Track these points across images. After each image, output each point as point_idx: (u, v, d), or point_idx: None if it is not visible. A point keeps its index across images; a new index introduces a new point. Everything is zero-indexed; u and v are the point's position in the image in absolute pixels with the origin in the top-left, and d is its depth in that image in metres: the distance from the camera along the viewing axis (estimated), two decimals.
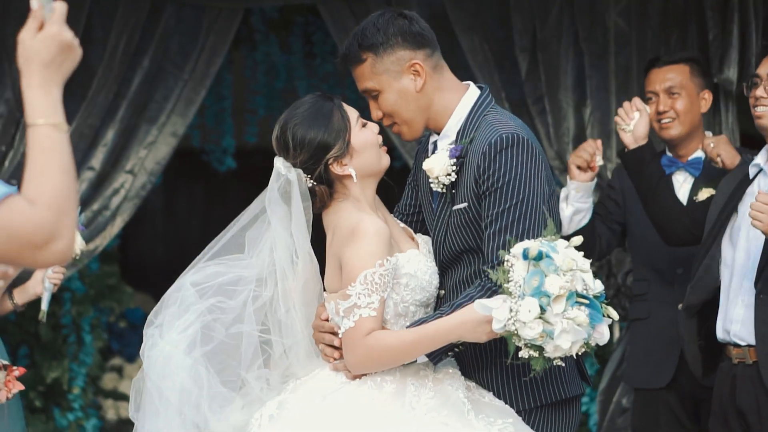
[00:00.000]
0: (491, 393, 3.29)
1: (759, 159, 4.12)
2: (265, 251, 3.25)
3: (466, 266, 3.35)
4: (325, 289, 3.31)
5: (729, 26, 5.29)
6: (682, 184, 4.72)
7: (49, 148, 2.20)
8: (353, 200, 3.28)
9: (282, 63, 7.35)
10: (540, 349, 3.02)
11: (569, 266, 3.02)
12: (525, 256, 3.01)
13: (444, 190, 3.36)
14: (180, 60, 5.68)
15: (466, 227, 3.32)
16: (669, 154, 4.79)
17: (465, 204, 3.30)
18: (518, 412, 3.27)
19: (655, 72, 4.73)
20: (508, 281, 3.03)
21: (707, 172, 4.66)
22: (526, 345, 3.02)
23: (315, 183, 3.25)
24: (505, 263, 3.06)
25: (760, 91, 4.04)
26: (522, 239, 3.14)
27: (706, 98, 4.75)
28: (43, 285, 4.31)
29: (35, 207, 2.15)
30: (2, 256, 2.17)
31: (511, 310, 2.99)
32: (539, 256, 3.00)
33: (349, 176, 3.27)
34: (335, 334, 3.22)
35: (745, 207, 4.05)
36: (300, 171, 3.23)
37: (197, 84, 5.67)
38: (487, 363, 3.32)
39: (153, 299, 7.76)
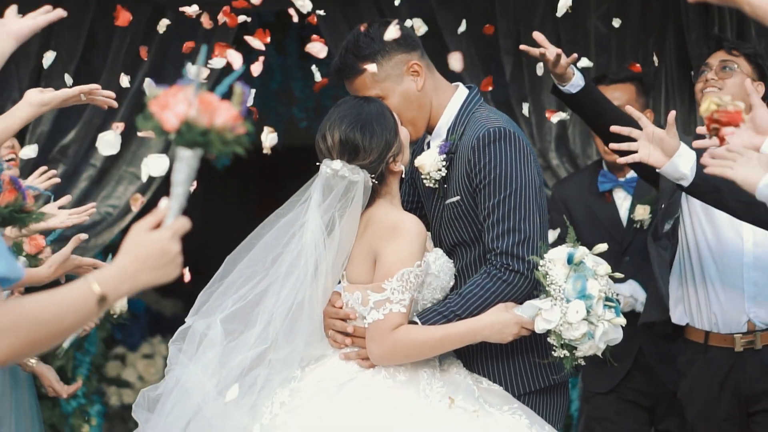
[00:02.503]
0: (487, 379, 3.31)
1: None
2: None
3: (459, 259, 3.37)
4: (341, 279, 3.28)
5: (710, 29, 5.30)
6: (623, 202, 4.74)
7: (72, 303, 2.14)
8: (389, 196, 3.28)
9: (277, 64, 7.34)
10: (573, 348, 3.10)
11: (606, 271, 3.15)
12: (570, 260, 3.11)
13: (435, 186, 3.38)
14: (179, 63, 5.66)
15: (459, 220, 3.33)
16: (606, 169, 4.80)
17: (457, 197, 3.31)
18: None
19: (602, 89, 4.68)
20: (549, 284, 3.11)
21: (640, 191, 4.69)
22: (562, 345, 3.10)
23: (376, 182, 3.22)
24: (540, 267, 3.12)
25: (710, 75, 4.13)
26: (519, 228, 3.20)
27: (648, 117, 4.76)
28: None
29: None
30: None
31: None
32: (580, 261, 3.07)
33: (400, 172, 3.27)
34: (346, 321, 3.21)
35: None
36: (367, 172, 3.20)
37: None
38: (479, 351, 3.33)
39: (154, 292, 7.76)
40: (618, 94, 4.70)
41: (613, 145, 3.65)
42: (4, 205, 3.50)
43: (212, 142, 2.13)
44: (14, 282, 2.14)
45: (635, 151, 3.61)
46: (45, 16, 3.10)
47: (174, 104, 2.14)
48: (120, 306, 4.26)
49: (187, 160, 2.18)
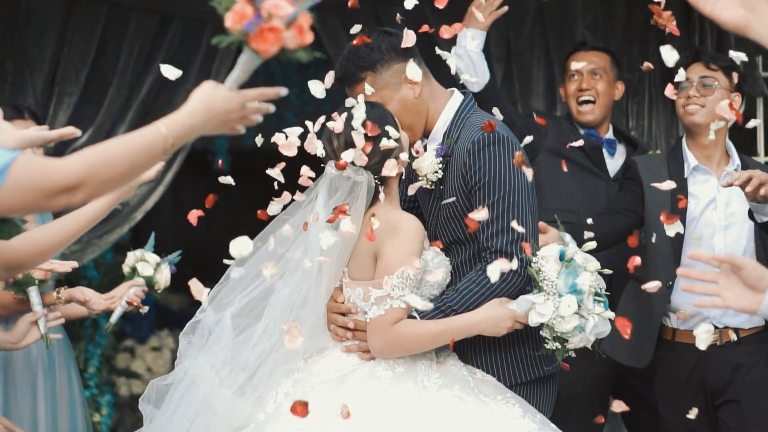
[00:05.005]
0: (481, 370, 3.30)
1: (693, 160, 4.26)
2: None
3: (455, 257, 3.37)
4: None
5: (692, 38, 5.30)
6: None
7: (141, 145, 2.28)
8: (389, 197, 3.27)
9: (278, 71, 7.33)
10: (564, 341, 3.12)
11: (595, 267, 3.16)
12: (561, 257, 3.12)
13: (432, 187, 3.38)
14: (186, 69, 5.63)
15: (454, 220, 3.33)
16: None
17: (453, 198, 3.32)
18: None
19: (581, 54, 4.77)
20: (542, 280, 3.12)
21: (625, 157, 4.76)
22: (554, 338, 3.12)
23: (378, 182, 3.22)
24: (533, 264, 3.14)
25: (692, 92, 4.20)
26: (512, 228, 3.17)
27: (619, 88, 4.85)
28: (119, 301, 4.20)
29: (64, 160, 2.24)
30: (22, 205, 2.25)
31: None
32: (571, 258, 3.11)
33: (400, 174, 3.27)
34: (347, 316, 3.21)
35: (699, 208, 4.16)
36: (370, 173, 3.19)
37: None
38: (474, 344, 3.32)
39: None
40: (596, 59, 4.78)
41: None
42: None
43: (290, 57, 2.27)
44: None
45: None
46: (57, 131, 3.16)
47: (275, 42, 2.24)
48: (164, 281, 4.23)
49: (256, 59, 2.32)
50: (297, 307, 3.15)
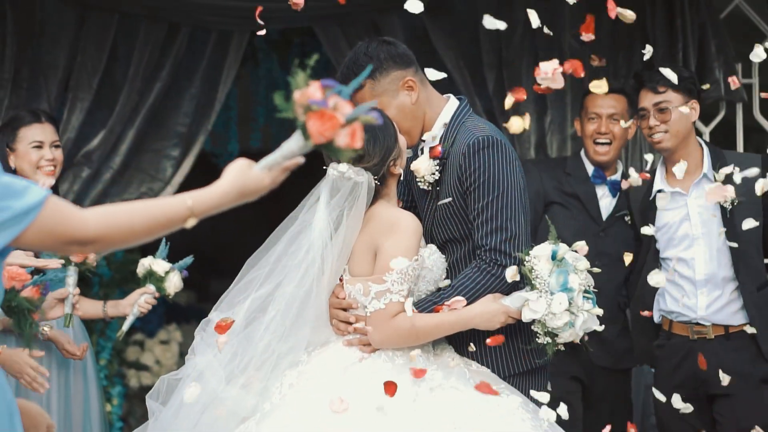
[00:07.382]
0: (476, 362, 3.31)
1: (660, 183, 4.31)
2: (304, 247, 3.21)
3: (450, 254, 3.38)
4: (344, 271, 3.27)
5: (675, 46, 5.30)
6: (602, 198, 4.74)
7: (164, 215, 2.28)
8: (387, 197, 3.28)
9: (281, 78, 7.33)
10: (555, 336, 3.14)
11: (585, 266, 3.18)
12: (554, 257, 3.14)
13: (429, 188, 3.38)
14: (192, 75, 5.63)
15: (450, 220, 3.33)
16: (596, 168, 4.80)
17: (449, 199, 3.32)
18: None
19: (601, 97, 4.70)
20: (535, 278, 3.14)
21: (621, 197, 4.73)
22: (545, 333, 3.14)
23: (378, 183, 3.23)
24: (526, 262, 3.15)
25: (652, 121, 4.21)
26: (505, 227, 3.21)
27: (632, 127, 4.79)
28: (131, 309, 4.22)
29: (86, 214, 2.23)
30: (41, 244, 2.25)
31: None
32: (562, 257, 3.13)
33: (399, 175, 3.28)
34: (348, 311, 3.21)
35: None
36: (370, 174, 3.20)
37: (211, 98, 5.62)
38: (469, 338, 3.31)
39: None
40: (613, 103, 4.74)
41: None
42: (23, 295, 3.67)
43: (333, 153, 2.26)
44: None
45: None
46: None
47: (331, 129, 2.24)
48: (174, 287, 4.25)
49: (300, 148, 2.31)
50: (300, 301, 3.16)
